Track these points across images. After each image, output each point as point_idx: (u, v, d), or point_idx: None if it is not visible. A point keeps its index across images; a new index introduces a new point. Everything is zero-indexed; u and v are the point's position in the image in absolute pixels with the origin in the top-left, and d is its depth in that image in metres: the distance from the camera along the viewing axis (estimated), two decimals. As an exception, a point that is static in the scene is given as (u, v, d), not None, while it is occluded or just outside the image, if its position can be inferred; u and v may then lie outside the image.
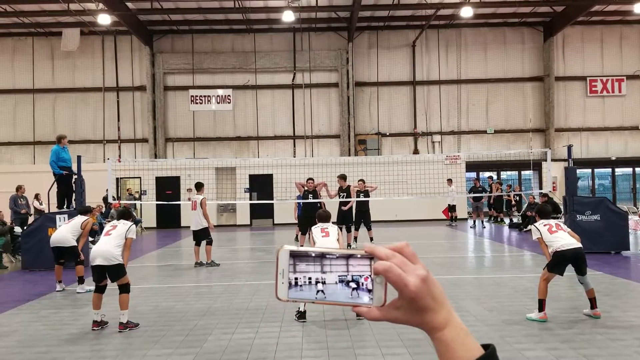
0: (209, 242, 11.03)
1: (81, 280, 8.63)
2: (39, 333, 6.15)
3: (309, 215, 11.38)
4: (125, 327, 6.16)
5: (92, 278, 6.48)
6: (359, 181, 13.82)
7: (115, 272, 6.33)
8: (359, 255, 0.76)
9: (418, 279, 0.73)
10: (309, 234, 6.90)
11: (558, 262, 6.25)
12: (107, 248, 6.32)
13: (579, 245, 6.27)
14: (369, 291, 0.75)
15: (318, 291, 0.75)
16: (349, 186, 13.13)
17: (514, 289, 8.04)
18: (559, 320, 6.17)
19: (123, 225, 6.60)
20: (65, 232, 8.93)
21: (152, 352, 5.31)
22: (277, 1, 20.62)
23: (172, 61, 23.58)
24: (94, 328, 6.22)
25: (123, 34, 23.34)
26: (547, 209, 6.93)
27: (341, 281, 0.75)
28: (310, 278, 0.75)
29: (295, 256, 0.76)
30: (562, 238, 6.28)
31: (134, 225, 6.76)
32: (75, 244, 8.89)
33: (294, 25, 22.45)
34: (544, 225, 6.49)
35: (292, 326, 6.13)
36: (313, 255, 0.76)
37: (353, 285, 0.75)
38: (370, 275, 0.75)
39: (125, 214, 6.99)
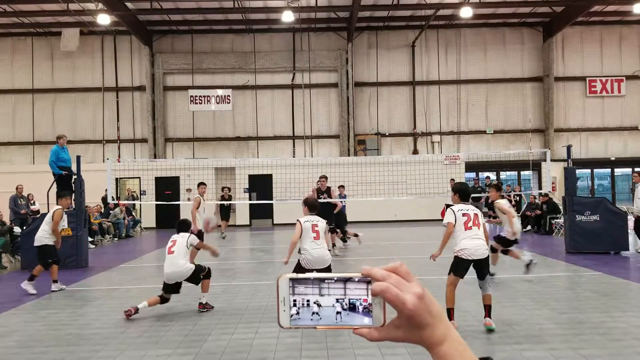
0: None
1: (31, 278, 8.49)
2: (38, 333, 6.15)
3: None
4: (204, 307, 6.93)
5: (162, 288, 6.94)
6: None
7: (194, 279, 6.94)
8: (356, 279, 0.77)
9: (415, 297, 0.75)
10: (298, 223, 6.53)
11: (461, 266, 5.76)
12: (176, 269, 6.81)
13: (486, 254, 5.74)
14: (368, 313, 0.77)
15: (313, 313, 0.77)
16: (328, 187, 13.05)
17: (513, 289, 8.05)
18: (558, 320, 6.17)
19: (182, 239, 7.00)
20: (41, 229, 8.80)
21: (152, 352, 5.31)
22: (277, 1, 20.63)
23: (171, 61, 23.58)
24: (133, 312, 6.59)
25: (122, 34, 23.34)
26: (468, 190, 6.08)
27: (341, 302, 0.77)
28: (308, 301, 0.77)
29: (294, 281, 0.78)
30: (473, 240, 5.67)
31: (193, 235, 7.17)
32: (47, 243, 8.66)
33: (294, 25, 22.46)
34: (463, 215, 5.74)
35: (292, 326, 6.13)
36: (312, 280, 0.77)
37: (338, 308, 0.77)
38: (368, 297, 0.77)
39: (182, 225, 7.27)
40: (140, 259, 12.48)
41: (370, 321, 0.76)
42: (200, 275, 6.99)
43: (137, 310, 6.63)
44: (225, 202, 16.74)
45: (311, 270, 6.57)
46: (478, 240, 5.70)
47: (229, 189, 17.50)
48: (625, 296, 7.54)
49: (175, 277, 6.87)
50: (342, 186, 14.59)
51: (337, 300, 0.77)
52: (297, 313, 0.77)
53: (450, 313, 5.72)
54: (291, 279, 0.77)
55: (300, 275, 0.77)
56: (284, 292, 0.77)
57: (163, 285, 6.93)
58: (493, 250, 8.52)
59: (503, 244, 8.58)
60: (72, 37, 22.48)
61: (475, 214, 5.79)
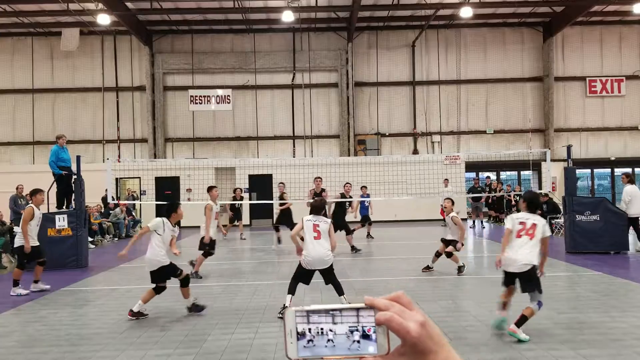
0: (203, 253, 9.63)
1: (15, 283, 8.39)
2: (38, 333, 6.14)
3: None
4: (192, 308, 6.74)
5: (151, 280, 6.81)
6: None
7: (163, 275, 6.71)
8: (361, 307, 0.80)
9: (418, 325, 0.78)
10: (300, 221, 6.71)
11: (504, 276, 5.74)
12: (147, 256, 6.76)
13: (521, 269, 5.49)
14: (374, 341, 0.79)
15: (328, 340, 0.78)
16: (323, 189, 13.00)
17: (514, 289, 8.04)
18: (558, 320, 6.17)
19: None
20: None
21: (152, 352, 5.31)
22: (277, 1, 20.63)
23: (171, 61, 23.58)
24: (131, 317, 6.55)
25: (122, 34, 23.34)
26: (537, 201, 6.02)
27: (346, 333, 0.79)
28: (322, 329, 0.79)
29: (303, 312, 0.80)
30: (517, 250, 5.54)
31: (156, 219, 6.88)
32: (22, 244, 8.52)
33: (294, 25, 22.46)
34: (519, 223, 5.67)
35: (292, 326, 6.13)
36: (318, 310, 0.80)
37: (356, 337, 0.79)
38: (372, 326, 0.79)
39: (166, 209, 7.00)
40: (140, 259, 12.45)
41: (375, 349, 0.78)
42: (169, 276, 6.70)
43: (132, 312, 6.55)
44: (237, 203, 16.74)
45: (312, 271, 6.59)
46: (517, 253, 5.53)
47: (242, 190, 17.45)
48: (625, 296, 7.53)
49: (147, 265, 6.74)
50: (365, 187, 15.10)
51: (350, 330, 0.79)
52: (312, 340, 0.78)
53: (502, 305, 5.72)
54: (297, 312, 0.80)
55: (306, 308, 0.80)
56: (290, 325, 0.79)
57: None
58: (449, 254, 9.30)
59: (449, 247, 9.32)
60: (72, 37, 22.48)
61: (534, 224, 5.62)
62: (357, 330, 0.78)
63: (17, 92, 23.51)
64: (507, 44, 24.12)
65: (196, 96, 23.26)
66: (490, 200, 20.21)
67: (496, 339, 5.46)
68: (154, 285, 6.74)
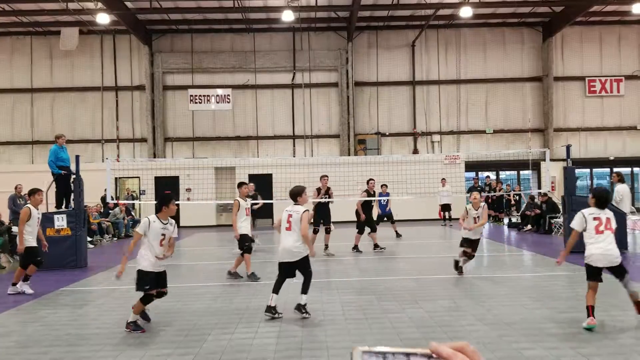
0: (244, 251, 9.22)
1: (26, 278, 8.37)
2: (37, 333, 6.13)
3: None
4: (127, 326, 5.97)
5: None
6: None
7: (141, 279, 6.01)
8: (424, 354, 0.78)
9: None
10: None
11: (592, 272, 5.73)
12: (138, 257, 6.12)
13: (615, 262, 5.65)
14: None
15: None
16: (328, 188, 13.00)
17: (513, 288, 8.05)
18: (557, 319, 6.17)
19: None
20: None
21: (152, 352, 5.30)
22: (277, 1, 20.63)
23: (171, 60, 23.57)
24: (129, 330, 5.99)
25: (122, 33, 23.33)
26: (604, 195, 5.88)
27: None
28: None
29: (366, 353, 0.80)
30: (602, 244, 5.62)
31: (143, 220, 6.30)
32: (28, 245, 8.37)
33: (294, 25, 22.45)
34: (594, 219, 5.64)
35: (292, 326, 6.13)
36: (380, 352, 0.79)
37: None
38: None
39: (159, 201, 6.44)
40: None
41: None
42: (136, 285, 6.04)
43: (130, 324, 5.99)
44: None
45: (287, 264, 6.41)
46: (606, 247, 5.62)
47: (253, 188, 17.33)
48: (624, 295, 7.52)
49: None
50: (385, 185, 15.02)
51: None
52: None
53: (589, 310, 5.68)
54: (363, 352, 0.79)
55: (373, 348, 0.80)
56: None
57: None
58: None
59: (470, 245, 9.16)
60: (71, 37, 22.47)
61: (608, 218, 5.69)
62: None
63: (16, 91, 23.49)
64: (507, 43, 24.13)
65: (196, 96, 23.25)
66: (489, 200, 20.19)
67: (495, 338, 5.46)
68: (164, 289, 6.27)
